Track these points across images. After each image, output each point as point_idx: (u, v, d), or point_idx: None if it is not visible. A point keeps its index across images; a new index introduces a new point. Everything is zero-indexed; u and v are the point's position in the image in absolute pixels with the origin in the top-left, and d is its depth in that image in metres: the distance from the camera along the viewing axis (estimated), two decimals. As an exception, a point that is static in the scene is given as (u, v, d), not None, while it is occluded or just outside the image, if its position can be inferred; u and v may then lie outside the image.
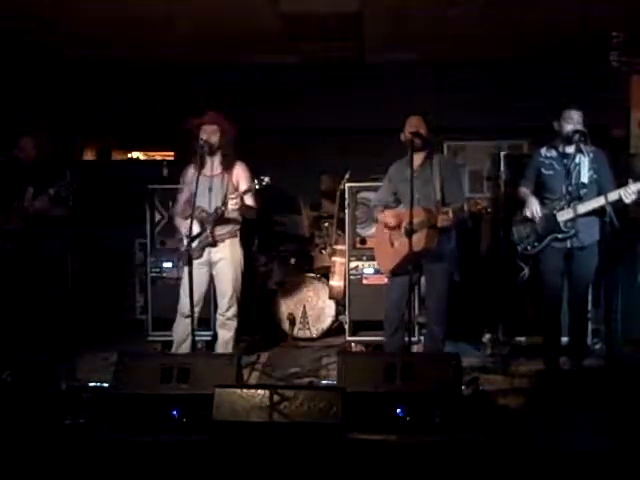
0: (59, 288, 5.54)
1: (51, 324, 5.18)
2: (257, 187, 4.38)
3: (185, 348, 4.54)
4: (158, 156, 8.12)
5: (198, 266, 4.45)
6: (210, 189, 4.48)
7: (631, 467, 3.17)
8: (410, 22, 5.72)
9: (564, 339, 4.68)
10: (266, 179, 4.35)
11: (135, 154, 8.32)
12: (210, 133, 4.55)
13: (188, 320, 4.45)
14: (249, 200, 4.56)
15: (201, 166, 4.55)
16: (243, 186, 4.59)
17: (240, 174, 4.64)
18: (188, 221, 4.53)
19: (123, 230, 6.14)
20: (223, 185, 4.57)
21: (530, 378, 4.54)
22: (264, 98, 7.29)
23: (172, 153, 7.69)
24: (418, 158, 4.41)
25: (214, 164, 4.60)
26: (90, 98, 7.33)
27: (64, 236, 5.38)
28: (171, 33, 5.97)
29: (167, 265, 5.48)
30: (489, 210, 4.07)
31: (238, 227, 4.68)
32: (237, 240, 4.70)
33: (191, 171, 4.65)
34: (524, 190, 4.53)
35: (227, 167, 4.61)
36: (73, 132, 7.66)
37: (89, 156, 8.21)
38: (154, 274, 5.58)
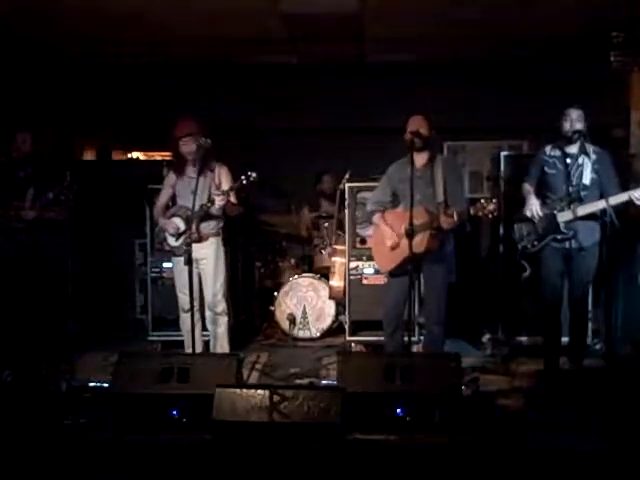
0: (60, 288, 5.54)
1: (52, 324, 5.17)
2: (244, 182, 4.43)
3: (196, 341, 4.54)
4: (158, 156, 8.10)
5: (184, 262, 4.47)
6: (193, 191, 4.50)
7: (631, 467, 3.17)
8: (410, 22, 5.72)
9: (564, 339, 4.68)
10: (253, 174, 4.39)
11: (135, 154, 8.31)
12: (189, 142, 4.61)
13: (188, 314, 4.59)
14: (233, 198, 4.63)
15: (182, 170, 4.69)
16: (225, 186, 4.66)
17: (222, 174, 4.72)
18: (174, 219, 4.69)
19: (123, 230, 6.14)
20: (206, 186, 4.63)
21: (530, 378, 4.54)
22: (264, 98, 7.29)
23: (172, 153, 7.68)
24: (421, 158, 4.40)
25: (195, 167, 4.64)
26: (90, 98, 7.33)
27: (64, 236, 5.38)
28: (171, 33, 5.97)
29: (167, 265, 5.47)
30: (495, 214, 4.05)
31: (221, 225, 4.76)
32: (220, 238, 4.78)
33: (173, 175, 4.80)
34: (527, 188, 4.53)
35: (207, 168, 4.66)
36: (73, 132, 7.66)
37: (89, 156, 8.21)
38: (154, 274, 5.60)
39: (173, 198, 4.84)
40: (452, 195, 4.32)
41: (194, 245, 4.56)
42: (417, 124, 4.34)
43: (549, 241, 4.42)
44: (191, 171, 4.68)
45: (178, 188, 4.75)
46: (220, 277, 4.76)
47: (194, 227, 4.56)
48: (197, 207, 4.51)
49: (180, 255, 4.60)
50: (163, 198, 4.86)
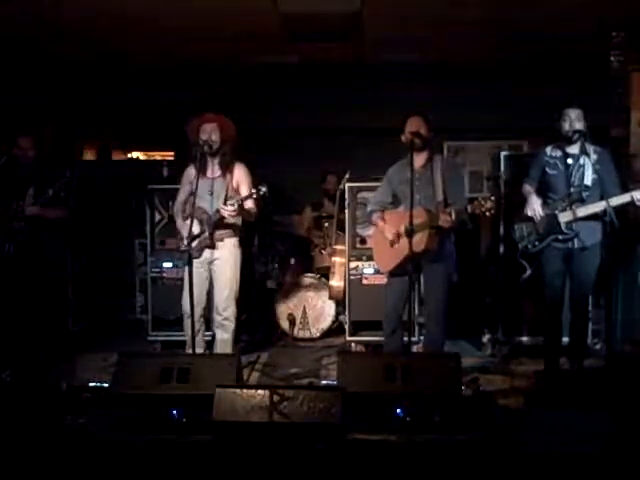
0: (59, 288, 5.55)
1: (52, 324, 5.18)
2: (254, 197, 4.36)
3: (197, 345, 4.51)
4: (158, 156, 8.13)
5: (197, 265, 4.43)
6: (211, 192, 4.46)
7: (631, 468, 3.17)
8: (410, 22, 5.72)
9: (565, 339, 4.68)
10: (263, 189, 4.31)
11: (135, 154, 8.33)
12: (210, 132, 4.52)
13: (195, 319, 4.47)
14: (249, 204, 4.52)
15: (202, 168, 4.52)
16: (243, 188, 4.57)
17: (240, 176, 4.61)
18: (188, 222, 4.52)
19: (123, 230, 6.14)
20: (224, 187, 4.55)
21: (530, 378, 4.53)
22: (264, 98, 7.30)
23: (172, 153, 7.71)
24: (420, 159, 4.40)
25: (214, 166, 4.59)
26: (90, 98, 7.34)
27: (64, 236, 5.38)
28: (171, 33, 5.97)
29: (167, 265, 5.48)
30: (493, 211, 4.04)
31: (238, 228, 4.65)
32: (236, 240, 4.66)
33: (192, 172, 4.61)
34: (528, 189, 4.52)
35: (227, 169, 4.58)
36: (73, 132, 7.67)
37: (89, 156, 8.22)
38: (154, 274, 5.58)
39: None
40: (451, 194, 4.32)
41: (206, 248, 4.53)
42: (416, 124, 4.34)
43: (550, 241, 4.41)
44: (210, 171, 4.57)
45: (196, 187, 4.55)
46: (233, 280, 4.63)
47: (207, 233, 4.48)
48: (213, 211, 4.46)
49: (195, 258, 4.44)
50: (182, 195, 4.70)
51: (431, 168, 4.39)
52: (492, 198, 3.98)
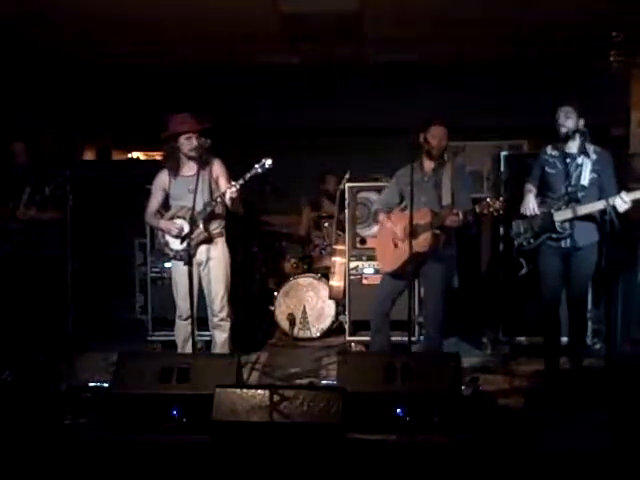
0: (59, 288, 5.54)
1: (51, 324, 5.17)
2: (259, 170, 4.29)
3: (189, 348, 4.50)
4: (158, 156, 8.09)
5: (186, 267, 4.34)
6: (192, 190, 4.38)
7: (631, 467, 3.17)
8: (411, 22, 5.72)
9: (564, 339, 4.68)
10: (268, 161, 4.26)
11: (135, 154, 8.32)
12: (192, 139, 4.47)
13: (185, 322, 4.46)
14: (236, 194, 4.43)
15: (178, 168, 4.53)
16: (222, 181, 4.54)
17: (218, 170, 4.59)
18: (177, 221, 4.52)
19: (123, 230, 6.14)
20: (204, 183, 4.49)
21: (530, 378, 4.54)
22: (264, 98, 7.30)
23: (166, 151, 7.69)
24: (430, 162, 4.43)
25: (190, 164, 4.52)
26: (90, 98, 7.34)
27: (63, 236, 5.37)
28: (171, 34, 5.98)
29: (167, 265, 5.46)
30: (502, 212, 4.03)
31: (224, 224, 4.63)
32: (224, 239, 4.64)
33: (164, 177, 4.61)
34: (528, 187, 4.52)
35: (205, 164, 4.53)
36: (73, 132, 7.67)
37: (89, 156, 8.22)
38: (154, 274, 5.58)
39: (165, 201, 4.65)
40: (459, 198, 4.33)
41: (200, 247, 4.50)
42: (443, 135, 4.36)
43: (545, 240, 4.41)
44: (186, 170, 4.53)
45: (173, 189, 4.57)
46: (226, 280, 4.61)
47: (202, 226, 4.44)
48: (201, 206, 4.39)
49: (192, 256, 4.38)
50: (154, 203, 4.63)
51: (441, 173, 4.40)
52: (501, 199, 3.98)
